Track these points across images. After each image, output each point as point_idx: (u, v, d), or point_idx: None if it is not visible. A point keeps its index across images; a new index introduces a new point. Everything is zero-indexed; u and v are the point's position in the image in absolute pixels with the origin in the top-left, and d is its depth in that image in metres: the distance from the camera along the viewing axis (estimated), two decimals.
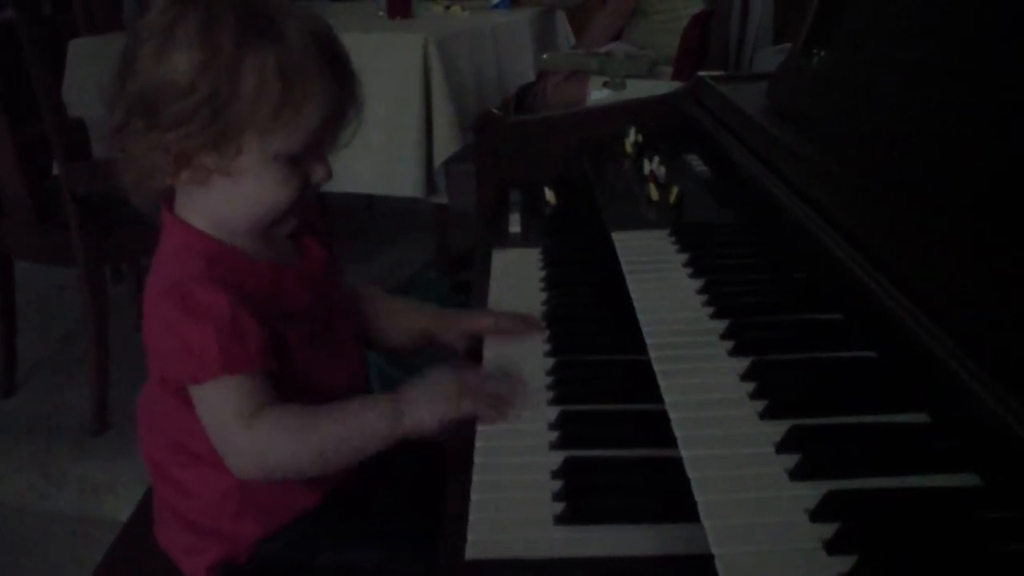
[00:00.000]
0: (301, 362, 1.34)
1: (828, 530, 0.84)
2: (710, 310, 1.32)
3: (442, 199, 3.51)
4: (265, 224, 1.30)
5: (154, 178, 1.25)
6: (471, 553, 1.00)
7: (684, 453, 1.00)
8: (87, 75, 3.50)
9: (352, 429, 1.28)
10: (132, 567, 1.52)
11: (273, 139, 1.21)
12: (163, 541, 1.44)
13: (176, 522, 1.41)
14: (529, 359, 1.41)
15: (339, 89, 1.26)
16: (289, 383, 1.31)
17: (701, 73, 2.27)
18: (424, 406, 1.27)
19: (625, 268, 1.50)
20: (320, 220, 1.49)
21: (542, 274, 1.72)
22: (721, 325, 1.26)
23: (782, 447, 0.98)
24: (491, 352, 1.48)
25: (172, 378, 1.27)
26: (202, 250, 1.27)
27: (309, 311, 1.37)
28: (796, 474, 0.94)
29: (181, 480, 1.39)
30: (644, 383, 1.21)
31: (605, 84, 4.13)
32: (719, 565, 0.83)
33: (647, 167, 1.88)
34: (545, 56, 4.76)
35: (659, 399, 1.13)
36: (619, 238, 1.63)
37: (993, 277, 0.94)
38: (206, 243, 1.28)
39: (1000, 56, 1.18)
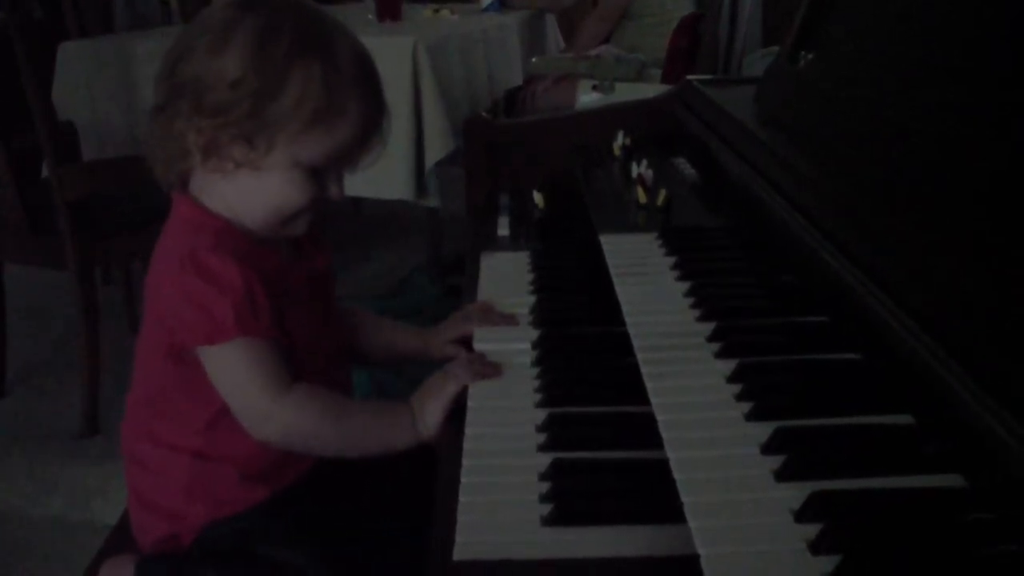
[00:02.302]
0: (298, 350, 1.37)
1: (812, 530, 0.85)
2: (697, 313, 1.33)
3: (432, 202, 3.51)
4: (272, 225, 1.34)
5: (183, 160, 1.30)
6: (459, 554, 1.00)
7: (671, 455, 1.00)
8: (77, 79, 3.50)
9: (375, 426, 1.36)
10: None
11: (302, 146, 1.26)
12: (132, 526, 1.47)
13: (135, 500, 1.45)
14: (517, 362, 1.41)
15: (372, 113, 1.32)
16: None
17: (689, 77, 2.27)
18: (433, 403, 1.34)
19: (613, 271, 1.51)
20: (322, 230, 1.51)
21: (531, 277, 1.73)
22: (708, 328, 1.27)
23: (768, 448, 0.99)
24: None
25: (186, 342, 1.30)
26: (211, 225, 1.32)
27: (308, 303, 1.41)
28: (781, 475, 0.94)
29: (143, 456, 1.43)
30: (632, 385, 1.22)
31: (594, 88, 4.13)
32: (705, 566, 0.84)
33: (635, 170, 1.88)
34: (535, 60, 4.76)
35: (646, 401, 1.13)
36: (607, 241, 1.63)
37: (978, 281, 0.95)
38: (215, 220, 1.32)
39: (986, 59, 1.19)
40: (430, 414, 1.34)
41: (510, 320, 1.56)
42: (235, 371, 1.30)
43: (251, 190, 1.30)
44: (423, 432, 1.34)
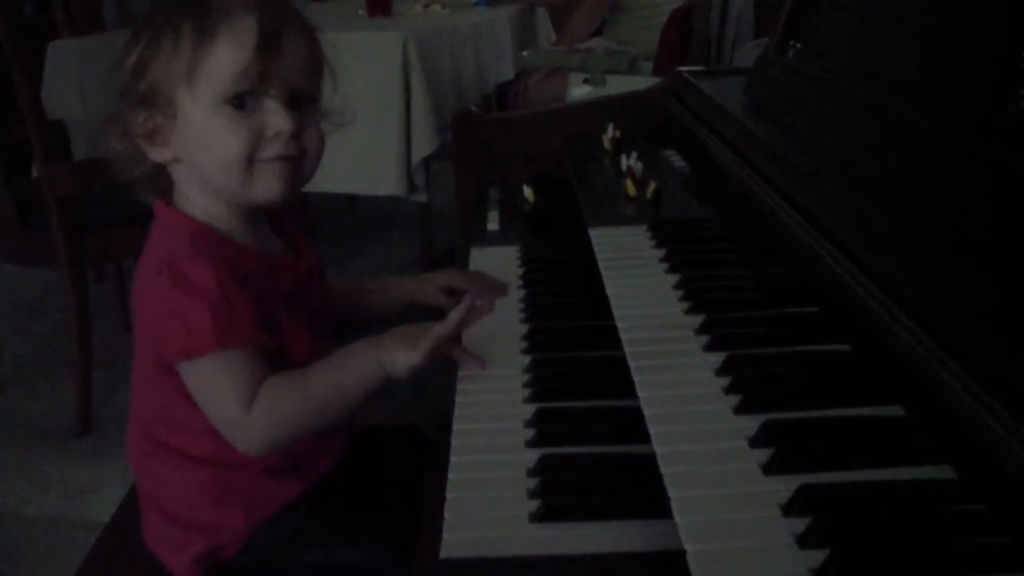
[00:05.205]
0: (294, 348, 1.36)
1: (801, 524, 0.85)
2: (686, 305, 1.32)
3: (422, 197, 3.51)
4: (239, 181, 1.29)
5: (136, 164, 1.31)
6: (446, 551, 1.00)
7: (658, 449, 1.00)
8: (67, 77, 3.49)
9: (342, 379, 1.33)
10: (114, 567, 1.51)
11: (201, 85, 1.24)
12: (149, 540, 1.44)
13: (159, 517, 1.42)
14: (507, 357, 1.41)
15: (261, 17, 1.26)
16: (283, 367, 1.33)
17: (680, 68, 2.27)
18: (399, 348, 1.32)
19: (602, 264, 1.50)
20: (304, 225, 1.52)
21: (520, 271, 1.72)
22: (696, 320, 1.26)
23: (756, 442, 0.98)
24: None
25: (166, 356, 1.28)
26: (188, 229, 1.30)
27: (300, 300, 1.40)
28: (769, 468, 0.94)
29: (160, 472, 1.40)
30: (620, 379, 1.21)
31: (585, 81, 4.13)
32: (691, 561, 0.83)
33: (625, 163, 1.88)
34: (525, 53, 4.76)
35: (635, 395, 1.13)
36: (596, 234, 1.63)
37: (968, 273, 0.95)
38: (193, 224, 1.31)
39: (982, 52, 1.18)
40: (402, 362, 1.32)
41: (502, 287, 1.63)
42: (214, 384, 1.28)
43: (196, 156, 1.28)
44: (390, 372, 1.33)
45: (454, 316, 1.33)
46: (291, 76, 1.28)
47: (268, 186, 1.30)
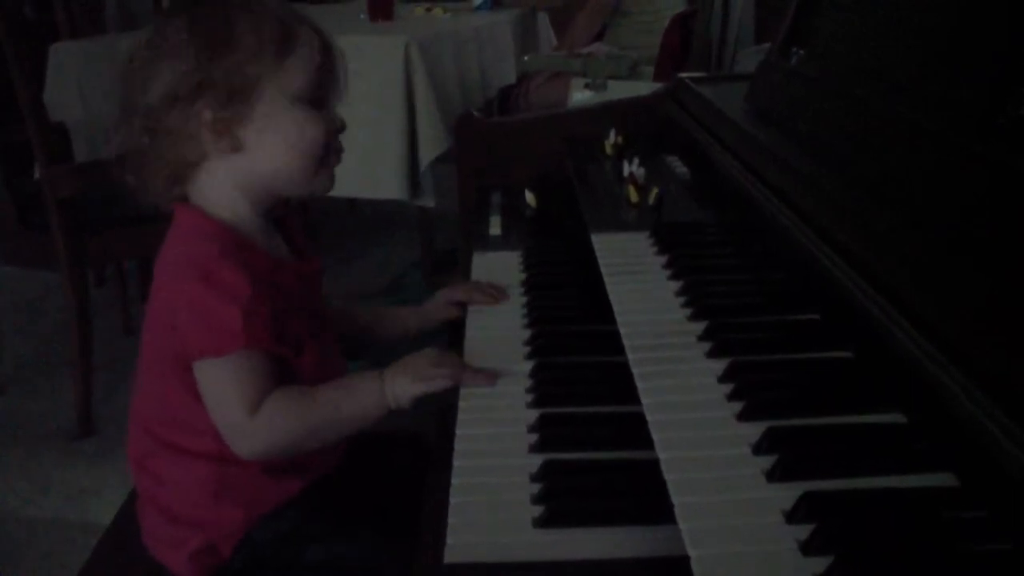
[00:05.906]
0: (306, 353, 1.38)
1: (804, 531, 0.85)
2: (688, 312, 1.32)
3: (428, 202, 3.50)
4: (308, 173, 1.36)
5: (193, 152, 1.32)
6: (450, 557, 1.00)
7: (661, 455, 1.00)
8: (68, 79, 3.48)
9: (345, 404, 1.35)
10: (116, 570, 1.52)
11: (285, 80, 1.30)
12: (147, 539, 1.45)
13: (157, 515, 1.43)
14: (509, 362, 1.41)
15: (318, 30, 1.36)
16: (291, 374, 1.35)
17: (681, 75, 2.27)
18: (405, 378, 1.35)
19: (604, 270, 1.50)
20: (312, 230, 1.54)
21: (522, 276, 1.73)
22: (699, 327, 1.26)
23: (759, 448, 0.98)
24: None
25: (188, 353, 1.30)
26: (211, 232, 1.32)
27: (301, 303, 1.41)
28: (772, 475, 0.94)
29: (159, 470, 1.42)
30: (623, 385, 1.21)
31: (587, 85, 4.13)
32: (695, 567, 0.83)
33: (627, 169, 1.88)
34: (527, 58, 4.76)
35: (638, 401, 1.13)
36: (598, 240, 1.63)
37: (971, 278, 0.95)
38: (214, 226, 1.33)
39: (981, 54, 1.18)
40: (402, 393, 1.34)
41: (501, 294, 1.65)
42: (223, 387, 1.30)
43: (274, 147, 1.32)
44: (392, 404, 1.35)
45: (459, 376, 1.36)
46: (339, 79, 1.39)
47: (329, 177, 1.40)
